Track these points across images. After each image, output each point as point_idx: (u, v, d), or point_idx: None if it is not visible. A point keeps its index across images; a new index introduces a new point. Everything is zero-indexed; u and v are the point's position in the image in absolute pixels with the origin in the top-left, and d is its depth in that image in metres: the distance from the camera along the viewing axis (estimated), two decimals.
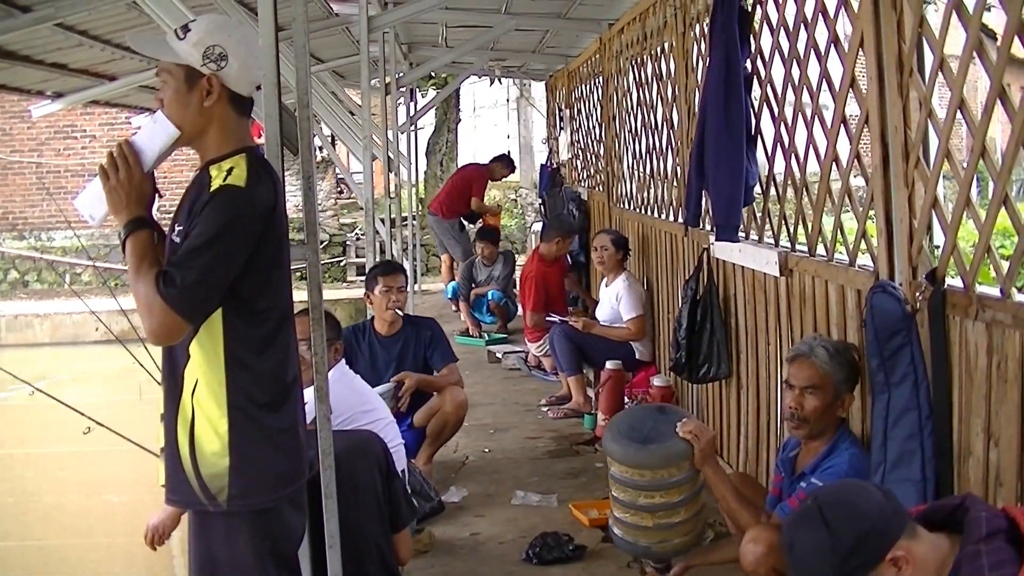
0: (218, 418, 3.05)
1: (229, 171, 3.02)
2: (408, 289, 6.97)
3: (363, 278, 7.76)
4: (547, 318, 9.04)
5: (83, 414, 5.45)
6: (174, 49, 3.07)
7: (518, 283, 10.36)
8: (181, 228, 2.99)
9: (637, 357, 8.26)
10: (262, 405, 3.10)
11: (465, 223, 14.23)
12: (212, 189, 2.98)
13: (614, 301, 8.33)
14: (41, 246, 20.71)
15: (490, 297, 12.01)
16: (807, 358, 4.24)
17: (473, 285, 12.36)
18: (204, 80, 3.06)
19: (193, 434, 3.06)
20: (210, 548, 3.13)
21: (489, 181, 14.68)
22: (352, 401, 5.07)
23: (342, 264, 20.72)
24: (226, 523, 3.12)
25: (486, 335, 11.65)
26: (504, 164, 14.50)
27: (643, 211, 9.18)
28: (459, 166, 18.50)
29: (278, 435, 3.14)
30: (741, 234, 5.87)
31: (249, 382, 3.08)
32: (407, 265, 13.22)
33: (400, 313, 6.73)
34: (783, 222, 5.52)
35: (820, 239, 4.99)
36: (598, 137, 12.16)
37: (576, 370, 8.27)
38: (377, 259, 8.75)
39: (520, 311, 10.51)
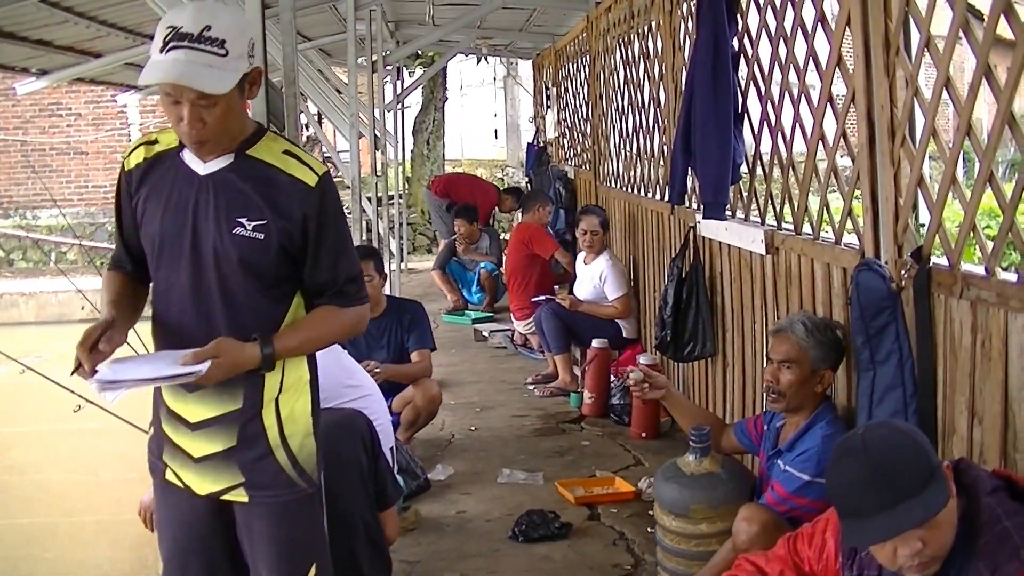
0: (305, 396, 3.10)
1: (292, 155, 2.99)
2: (387, 271, 6.86)
3: None
4: (533, 299, 9.04)
5: (73, 391, 5.43)
6: (228, 69, 2.81)
7: (508, 253, 10.30)
8: (262, 222, 2.92)
9: (624, 335, 8.27)
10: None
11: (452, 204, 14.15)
12: (314, 184, 2.95)
13: (597, 280, 8.32)
14: (26, 224, 20.62)
15: (482, 266, 11.97)
16: (786, 333, 4.29)
17: (455, 260, 12.31)
18: (252, 73, 2.92)
19: (282, 422, 3.05)
20: (291, 533, 3.11)
21: (497, 208, 14.52)
22: (339, 376, 5.05)
23: None
24: (309, 502, 3.14)
25: (471, 314, 11.64)
26: (515, 199, 14.32)
27: (630, 190, 9.19)
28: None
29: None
30: (728, 212, 5.88)
31: (315, 356, 3.20)
32: (393, 243, 13.25)
33: (384, 295, 6.69)
34: (769, 200, 5.53)
35: (806, 217, 5.00)
36: (585, 116, 12.15)
37: (563, 349, 8.27)
38: (363, 238, 8.74)
39: (507, 290, 10.47)
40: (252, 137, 3.00)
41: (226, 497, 3.07)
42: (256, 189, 2.93)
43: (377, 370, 6.09)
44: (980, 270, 3.52)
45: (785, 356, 4.26)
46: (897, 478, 2.54)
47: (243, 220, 2.92)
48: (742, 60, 5.69)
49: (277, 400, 3.04)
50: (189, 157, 3.00)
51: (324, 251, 3.00)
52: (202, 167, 2.97)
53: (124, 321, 3.02)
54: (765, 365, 4.42)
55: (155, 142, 3.08)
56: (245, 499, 3.07)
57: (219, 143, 2.92)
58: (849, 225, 4.51)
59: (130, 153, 3.11)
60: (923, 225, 3.96)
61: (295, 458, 3.07)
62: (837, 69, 4.57)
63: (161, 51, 2.78)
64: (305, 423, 3.10)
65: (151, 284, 3.12)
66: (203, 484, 3.07)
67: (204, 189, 2.96)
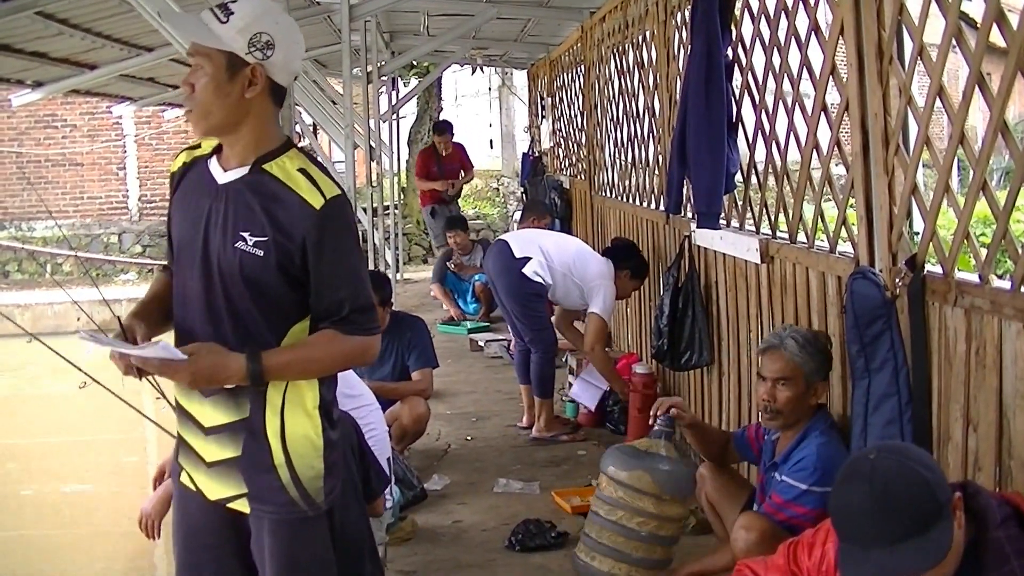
0: (313, 418, 3.02)
1: (306, 175, 2.92)
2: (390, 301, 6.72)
3: None
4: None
5: (81, 369, 5.44)
6: (215, 32, 2.84)
7: None
8: (263, 239, 2.87)
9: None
10: (335, 397, 3.15)
11: (436, 209, 14.02)
12: (319, 207, 2.87)
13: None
14: (22, 236, 20.59)
15: (476, 278, 11.95)
16: (777, 350, 4.26)
17: (451, 271, 12.29)
18: (248, 69, 2.86)
19: (286, 439, 2.98)
20: (295, 552, 3.04)
21: (441, 157, 14.24)
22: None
23: None
24: (313, 524, 3.07)
25: (467, 324, 11.64)
26: (438, 132, 14.25)
27: (625, 199, 9.19)
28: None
29: (337, 422, 3.15)
30: (722, 221, 5.89)
31: (331, 377, 3.12)
32: (388, 254, 13.24)
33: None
34: (764, 209, 5.53)
35: (801, 226, 5.01)
36: (580, 125, 12.16)
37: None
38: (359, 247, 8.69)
39: None
40: (274, 152, 2.96)
41: (232, 505, 3.05)
42: (263, 205, 2.89)
43: None
44: (974, 278, 3.53)
45: (780, 374, 4.24)
46: (901, 514, 2.44)
47: (245, 234, 2.88)
48: (736, 69, 5.70)
49: (282, 417, 2.97)
50: (214, 165, 3.00)
51: (325, 276, 2.92)
52: (222, 176, 2.97)
53: (149, 324, 3.05)
54: (757, 382, 4.40)
55: (198, 147, 3.10)
56: (247, 510, 3.04)
57: (204, 121, 2.91)
58: (843, 234, 4.51)
59: (178, 155, 3.14)
60: (917, 233, 3.97)
61: (299, 479, 3.00)
62: (831, 78, 4.59)
63: None
64: (314, 445, 3.02)
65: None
66: (213, 489, 3.05)
67: (219, 199, 2.95)
